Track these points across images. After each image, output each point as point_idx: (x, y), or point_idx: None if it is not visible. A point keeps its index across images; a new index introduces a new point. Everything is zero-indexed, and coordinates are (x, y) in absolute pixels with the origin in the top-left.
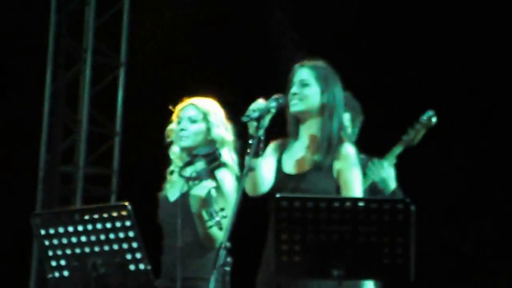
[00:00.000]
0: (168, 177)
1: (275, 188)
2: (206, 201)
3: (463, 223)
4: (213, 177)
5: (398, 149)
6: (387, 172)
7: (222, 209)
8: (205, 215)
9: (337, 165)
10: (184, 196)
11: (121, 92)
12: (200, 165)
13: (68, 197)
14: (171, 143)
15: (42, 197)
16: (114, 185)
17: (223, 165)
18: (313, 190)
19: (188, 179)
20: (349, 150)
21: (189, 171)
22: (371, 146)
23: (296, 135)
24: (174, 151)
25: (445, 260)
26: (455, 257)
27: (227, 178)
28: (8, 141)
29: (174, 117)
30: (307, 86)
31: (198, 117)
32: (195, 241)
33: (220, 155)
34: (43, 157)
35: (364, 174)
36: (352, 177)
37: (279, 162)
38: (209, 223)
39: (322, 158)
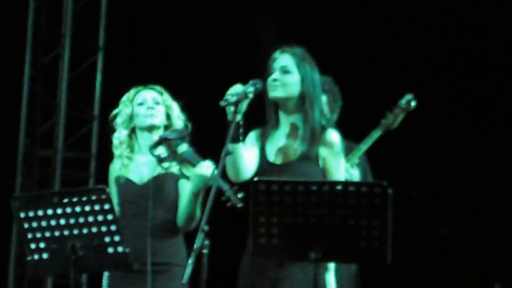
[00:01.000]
0: (122, 159)
1: (261, 173)
2: (214, 180)
3: (440, 208)
4: (181, 160)
5: (376, 133)
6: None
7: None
8: (223, 188)
9: (322, 153)
10: (157, 178)
11: (99, 77)
12: (182, 147)
13: (47, 181)
14: (114, 129)
15: (21, 181)
16: (93, 169)
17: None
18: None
19: (162, 160)
20: (333, 137)
21: (158, 153)
22: (349, 131)
23: (276, 123)
24: (120, 136)
25: (421, 244)
26: (432, 241)
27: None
28: None
29: (124, 101)
30: (288, 73)
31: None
32: (166, 222)
33: (186, 137)
34: (22, 141)
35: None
36: (337, 165)
37: (262, 150)
38: (228, 194)
39: (308, 147)
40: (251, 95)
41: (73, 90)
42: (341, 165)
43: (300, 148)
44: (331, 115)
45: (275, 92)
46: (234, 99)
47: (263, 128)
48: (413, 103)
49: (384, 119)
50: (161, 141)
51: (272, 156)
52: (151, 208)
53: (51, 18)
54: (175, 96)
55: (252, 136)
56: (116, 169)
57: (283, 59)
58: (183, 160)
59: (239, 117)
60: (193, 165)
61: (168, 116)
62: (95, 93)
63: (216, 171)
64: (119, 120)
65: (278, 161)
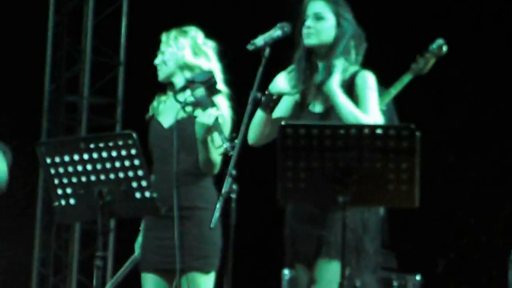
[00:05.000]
0: (158, 101)
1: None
2: (214, 128)
3: (468, 151)
4: (213, 104)
5: (407, 78)
6: None
7: (235, 135)
8: (218, 141)
9: (358, 93)
10: (180, 122)
11: (124, 21)
12: (199, 91)
13: (73, 127)
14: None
15: (47, 127)
16: (119, 115)
17: (218, 91)
18: None
19: (185, 105)
20: (367, 74)
21: (183, 97)
22: (379, 76)
23: (308, 69)
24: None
25: (449, 187)
26: (460, 184)
27: (224, 105)
28: (12, 72)
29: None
30: (322, 20)
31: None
32: (190, 167)
33: (216, 82)
34: (47, 87)
35: None
36: (368, 96)
37: (300, 97)
38: (222, 149)
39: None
40: (278, 38)
41: (98, 36)
42: (373, 97)
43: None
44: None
45: (309, 40)
46: (261, 42)
47: (290, 71)
48: (444, 48)
49: (415, 63)
50: (188, 85)
51: (307, 102)
52: (175, 152)
53: None
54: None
55: (282, 80)
56: (153, 108)
57: (316, 5)
58: (197, 104)
59: (264, 62)
60: (203, 110)
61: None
62: (121, 39)
63: (219, 120)
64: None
65: (317, 109)
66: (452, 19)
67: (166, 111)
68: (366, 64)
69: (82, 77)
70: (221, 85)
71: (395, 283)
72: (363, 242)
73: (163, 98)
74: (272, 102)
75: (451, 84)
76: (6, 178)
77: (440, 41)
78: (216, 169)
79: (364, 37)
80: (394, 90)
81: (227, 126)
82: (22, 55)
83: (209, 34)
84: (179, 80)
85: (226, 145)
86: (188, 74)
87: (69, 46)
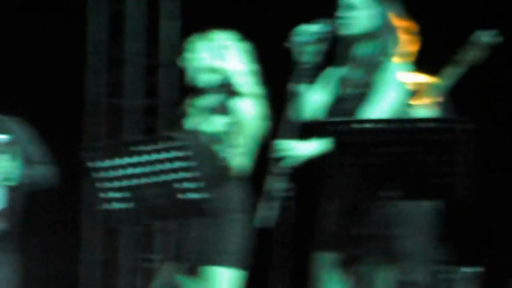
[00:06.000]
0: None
1: (330, 113)
2: (215, 138)
3: None
4: (227, 110)
5: (457, 70)
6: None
7: (237, 144)
8: (217, 150)
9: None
10: (196, 128)
11: (164, 24)
12: (214, 97)
13: (116, 130)
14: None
15: (89, 131)
16: (162, 117)
17: (240, 94)
18: None
19: (200, 111)
20: (393, 67)
21: (202, 103)
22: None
23: (345, 59)
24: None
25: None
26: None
27: (244, 106)
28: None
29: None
30: (356, 9)
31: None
32: (212, 171)
33: (233, 84)
34: (89, 91)
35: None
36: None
37: (333, 86)
38: (220, 158)
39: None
40: (316, 34)
41: (139, 38)
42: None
43: (364, 78)
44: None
45: (345, 30)
46: (300, 39)
47: (336, 65)
48: (495, 39)
49: (464, 54)
50: (208, 89)
51: (343, 90)
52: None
53: None
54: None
55: (325, 75)
56: (182, 110)
57: None
58: (215, 109)
59: (305, 57)
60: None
61: None
62: (161, 41)
63: (221, 128)
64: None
65: (347, 93)
66: (506, 7)
67: (191, 115)
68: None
69: (123, 79)
70: (248, 86)
71: (444, 276)
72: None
73: (192, 101)
74: (301, 69)
75: (500, 72)
76: (20, 175)
77: (491, 31)
78: (240, 172)
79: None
80: (444, 83)
81: (244, 129)
82: (63, 59)
83: (246, 35)
84: (203, 83)
85: (222, 157)
86: (211, 77)
87: (110, 48)
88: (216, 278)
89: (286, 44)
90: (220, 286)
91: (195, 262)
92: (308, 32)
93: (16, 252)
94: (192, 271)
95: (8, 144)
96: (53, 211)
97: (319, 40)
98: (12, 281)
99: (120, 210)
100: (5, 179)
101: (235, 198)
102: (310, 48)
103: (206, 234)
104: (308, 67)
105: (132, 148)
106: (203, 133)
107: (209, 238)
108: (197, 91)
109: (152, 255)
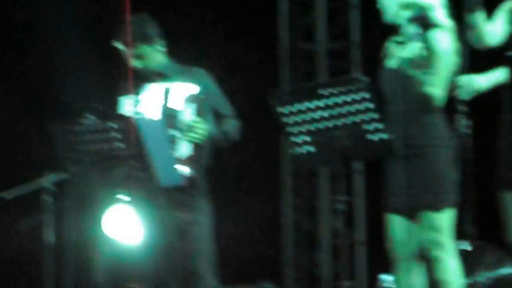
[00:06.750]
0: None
1: None
2: (414, 62)
3: None
4: (425, 39)
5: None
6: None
7: (435, 73)
8: (417, 75)
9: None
10: (401, 61)
11: None
12: (412, 29)
13: (311, 74)
14: None
15: (287, 76)
16: (355, 58)
17: (435, 26)
18: None
19: (399, 43)
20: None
21: (400, 39)
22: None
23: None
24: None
25: None
26: None
27: (441, 38)
28: (247, 24)
29: None
30: None
31: None
32: (414, 104)
33: (430, 18)
34: (284, 36)
35: None
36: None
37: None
38: (420, 81)
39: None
40: None
41: None
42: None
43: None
44: None
45: None
46: None
47: None
48: None
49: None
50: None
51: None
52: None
53: None
54: None
55: None
56: (385, 49)
57: None
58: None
59: None
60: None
61: None
62: None
63: (418, 53)
64: None
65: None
66: None
67: (392, 54)
68: None
69: (317, 23)
70: (442, 19)
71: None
72: None
73: (394, 39)
74: None
75: None
76: (212, 134)
77: None
78: (435, 103)
79: None
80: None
81: (438, 58)
82: (255, 8)
83: None
84: (401, 20)
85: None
86: (407, 13)
87: None
88: (435, 223)
89: None
90: (441, 231)
91: (410, 209)
92: None
93: (207, 198)
94: (411, 217)
95: (198, 97)
96: (253, 157)
97: None
98: (204, 224)
99: (311, 153)
100: (195, 138)
101: (439, 133)
102: None
103: (414, 177)
104: None
105: (320, 91)
106: (402, 59)
107: (419, 181)
108: (394, 28)
109: (349, 197)
